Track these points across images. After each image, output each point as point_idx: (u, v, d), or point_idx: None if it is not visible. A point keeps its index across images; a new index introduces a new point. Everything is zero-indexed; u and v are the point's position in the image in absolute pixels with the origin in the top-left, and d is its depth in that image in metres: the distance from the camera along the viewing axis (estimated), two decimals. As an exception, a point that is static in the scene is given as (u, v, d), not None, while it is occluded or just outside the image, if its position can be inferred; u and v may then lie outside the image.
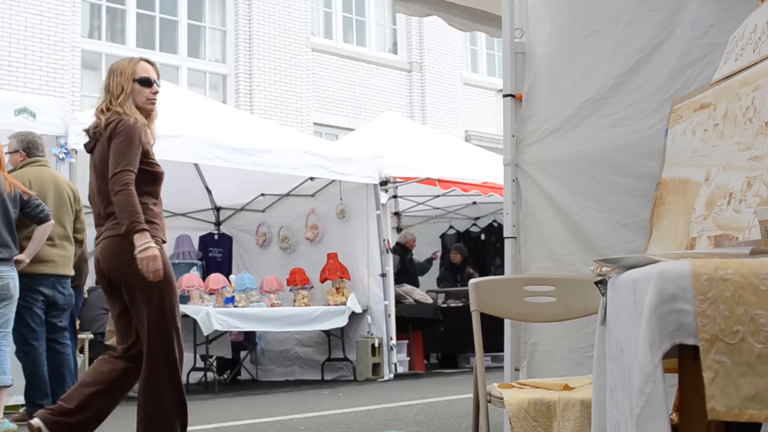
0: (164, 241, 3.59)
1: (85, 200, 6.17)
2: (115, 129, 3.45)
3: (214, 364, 8.48)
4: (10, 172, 5.68)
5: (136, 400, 3.59)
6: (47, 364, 5.70)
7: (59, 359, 5.81)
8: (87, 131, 3.65)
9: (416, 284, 10.33)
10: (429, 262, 10.91)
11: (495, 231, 11.47)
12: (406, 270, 10.46)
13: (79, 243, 6.01)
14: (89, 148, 3.64)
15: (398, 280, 9.77)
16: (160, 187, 3.64)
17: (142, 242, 3.37)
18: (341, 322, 8.60)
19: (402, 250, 10.47)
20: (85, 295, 7.25)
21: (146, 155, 3.51)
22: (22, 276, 5.36)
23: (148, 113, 3.64)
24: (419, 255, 11.03)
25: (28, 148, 5.84)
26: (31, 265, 5.46)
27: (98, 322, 7.56)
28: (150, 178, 3.55)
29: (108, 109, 3.55)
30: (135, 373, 3.59)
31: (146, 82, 3.61)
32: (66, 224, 5.82)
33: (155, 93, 3.64)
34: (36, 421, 3.45)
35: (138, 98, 3.60)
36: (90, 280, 7.76)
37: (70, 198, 5.88)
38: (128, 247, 3.39)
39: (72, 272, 5.91)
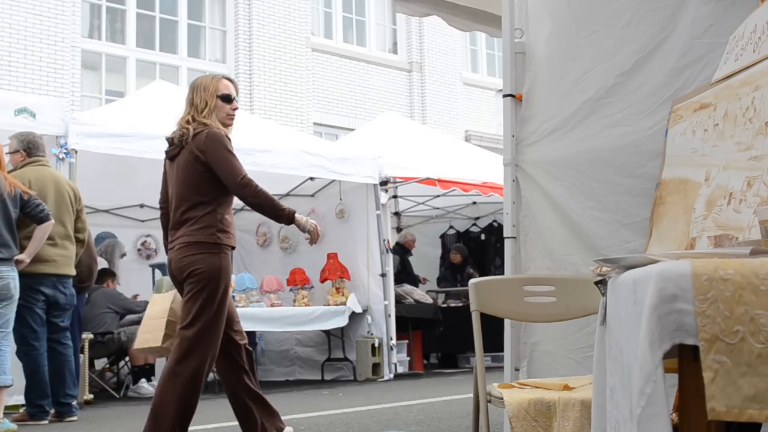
0: (233, 248, 3.82)
1: (86, 200, 6.22)
2: (206, 138, 3.71)
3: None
4: (10, 172, 5.69)
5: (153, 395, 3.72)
6: (48, 364, 5.71)
7: (60, 359, 5.81)
8: (170, 140, 3.88)
9: (416, 284, 10.33)
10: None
11: (495, 231, 11.47)
12: (406, 270, 10.46)
13: (80, 243, 6.02)
14: (172, 155, 3.85)
15: (398, 280, 9.77)
16: (233, 197, 3.85)
17: (303, 221, 3.80)
18: (341, 322, 8.60)
19: (402, 251, 10.47)
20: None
21: None
22: (23, 276, 5.37)
23: (228, 127, 3.88)
24: (420, 255, 11.03)
25: (29, 148, 5.85)
26: (32, 264, 5.47)
27: (101, 321, 7.56)
28: (227, 187, 3.76)
29: (193, 120, 3.80)
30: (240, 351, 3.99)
31: (227, 99, 3.86)
32: (67, 224, 5.83)
33: (234, 109, 3.90)
34: None
35: (219, 113, 3.84)
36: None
37: (71, 197, 5.89)
38: (197, 252, 3.67)
39: (73, 272, 5.91)
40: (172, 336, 4.09)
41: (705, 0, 2.95)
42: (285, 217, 3.76)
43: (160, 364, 7.98)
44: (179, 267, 3.71)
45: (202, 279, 3.66)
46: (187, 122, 3.80)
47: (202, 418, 5.70)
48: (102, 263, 8.16)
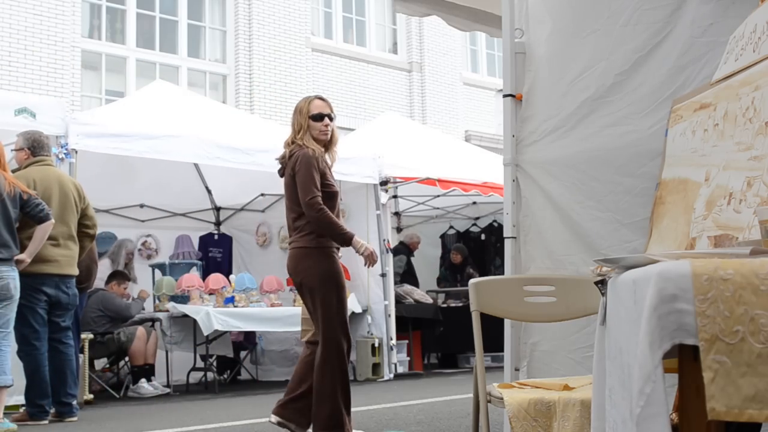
0: (338, 248, 4.29)
1: (90, 201, 6.22)
2: (297, 160, 4.22)
3: (214, 364, 8.48)
4: (15, 170, 5.71)
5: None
6: (49, 363, 5.71)
7: (61, 359, 5.81)
8: (279, 160, 4.41)
9: (418, 285, 10.31)
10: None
11: (495, 231, 11.46)
12: (411, 271, 10.46)
13: (91, 238, 6.04)
14: (281, 173, 4.38)
15: (403, 281, 9.78)
16: (335, 202, 4.32)
17: (360, 244, 4.24)
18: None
19: (407, 251, 10.47)
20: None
21: (323, 177, 4.22)
22: (26, 275, 5.36)
23: (324, 142, 4.33)
24: (420, 255, 11.02)
25: (33, 147, 5.87)
26: (35, 264, 5.47)
27: (93, 324, 7.53)
28: (326, 196, 4.22)
29: (293, 142, 4.31)
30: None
31: (318, 118, 4.31)
32: (70, 224, 5.83)
33: (326, 125, 4.32)
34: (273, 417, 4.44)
35: (313, 131, 4.31)
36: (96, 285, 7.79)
37: (75, 197, 5.90)
38: (309, 258, 4.20)
39: (76, 272, 5.92)
40: (309, 330, 4.58)
41: (705, -1, 2.95)
42: (344, 239, 4.21)
43: (160, 364, 7.99)
44: (294, 272, 4.27)
45: (311, 289, 4.18)
46: (288, 144, 4.34)
47: (202, 418, 5.70)
48: (109, 266, 8.16)
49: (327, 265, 4.22)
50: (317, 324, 4.24)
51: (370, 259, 4.26)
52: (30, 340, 5.63)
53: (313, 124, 4.30)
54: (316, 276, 4.17)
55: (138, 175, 8.36)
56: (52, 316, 5.76)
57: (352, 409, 5.87)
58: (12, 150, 5.94)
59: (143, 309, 8.20)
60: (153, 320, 8.03)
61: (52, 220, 5.47)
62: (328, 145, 4.37)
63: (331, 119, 4.36)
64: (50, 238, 5.56)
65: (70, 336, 5.95)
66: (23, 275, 5.32)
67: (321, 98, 4.42)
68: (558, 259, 3.34)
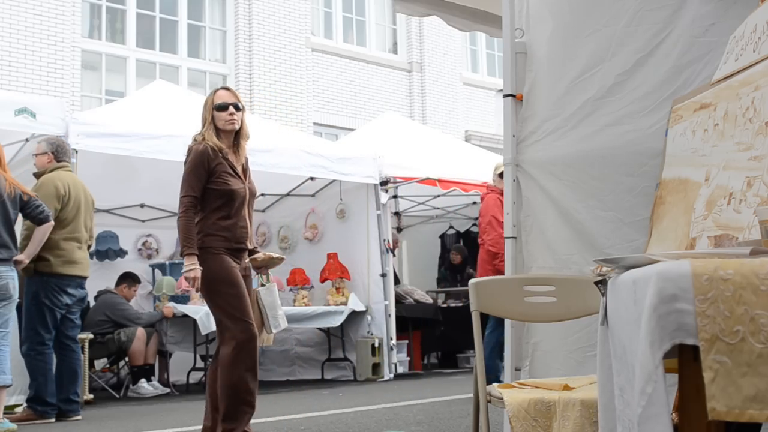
0: (238, 249, 4.10)
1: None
2: (187, 156, 4.08)
3: (215, 364, 8.47)
4: (37, 173, 5.89)
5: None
6: (62, 362, 5.88)
7: (73, 358, 5.96)
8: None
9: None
10: None
11: (495, 231, 11.43)
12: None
13: (86, 248, 6.19)
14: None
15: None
16: (235, 202, 4.09)
17: (187, 264, 3.95)
18: (334, 321, 8.55)
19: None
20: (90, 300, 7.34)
21: (215, 174, 4.03)
22: (52, 276, 5.63)
23: (231, 133, 4.17)
24: (420, 255, 11.03)
25: (57, 152, 6.07)
26: (63, 266, 5.73)
27: (99, 327, 7.54)
28: (217, 195, 4.05)
29: (202, 137, 4.12)
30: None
31: (221, 108, 4.13)
32: (89, 228, 6.09)
33: (231, 114, 4.13)
34: None
35: (218, 122, 4.13)
36: (99, 285, 7.82)
37: (91, 206, 6.12)
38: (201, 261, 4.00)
39: (89, 274, 6.14)
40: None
41: (706, -1, 2.95)
42: (181, 249, 4.01)
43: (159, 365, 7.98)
44: None
45: (203, 288, 4.01)
46: (193, 139, 4.16)
47: (201, 418, 5.68)
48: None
49: (210, 266, 3.99)
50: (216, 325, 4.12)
51: (191, 283, 3.96)
52: (45, 341, 5.78)
53: (218, 115, 4.11)
54: (204, 279, 3.96)
55: (138, 175, 8.36)
56: (67, 313, 5.90)
57: (353, 409, 5.90)
58: (34, 155, 6.10)
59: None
60: (154, 324, 7.95)
61: (52, 222, 5.52)
62: (236, 138, 4.19)
63: (238, 109, 4.15)
64: (76, 241, 5.83)
65: (77, 335, 6.11)
66: (50, 277, 5.49)
67: (226, 88, 4.25)
68: (560, 259, 3.34)
